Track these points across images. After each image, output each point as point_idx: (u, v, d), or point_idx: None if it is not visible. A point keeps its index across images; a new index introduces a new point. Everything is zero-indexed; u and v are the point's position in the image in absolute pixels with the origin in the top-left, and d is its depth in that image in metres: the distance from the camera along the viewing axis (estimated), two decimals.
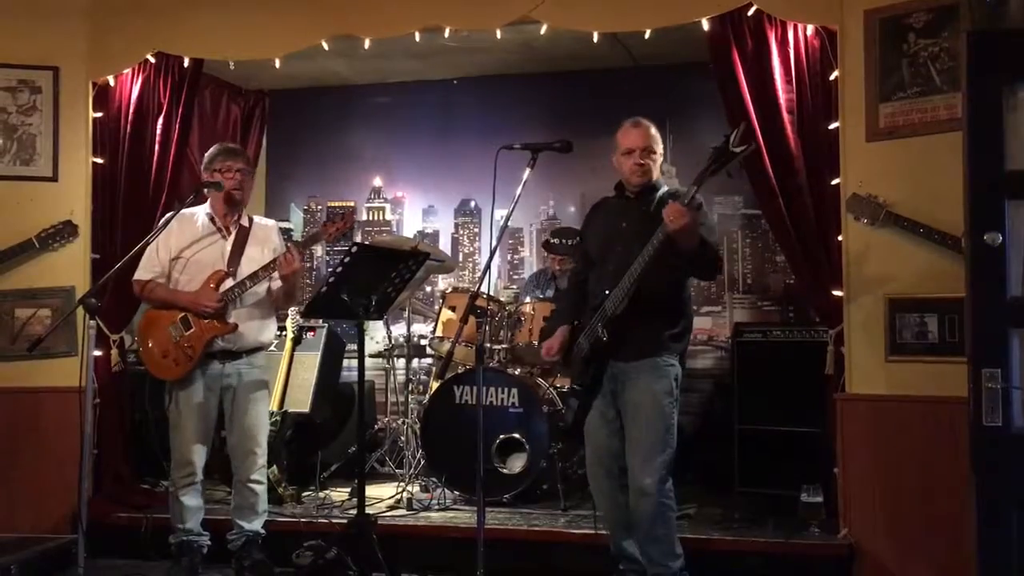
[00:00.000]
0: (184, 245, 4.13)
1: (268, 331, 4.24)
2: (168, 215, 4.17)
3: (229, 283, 4.04)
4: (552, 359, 3.86)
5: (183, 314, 4.04)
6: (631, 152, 3.68)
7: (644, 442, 3.55)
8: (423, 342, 5.67)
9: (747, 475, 4.86)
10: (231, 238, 4.16)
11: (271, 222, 4.40)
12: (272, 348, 4.48)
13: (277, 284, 4.12)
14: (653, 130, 3.72)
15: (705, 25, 4.39)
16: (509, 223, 3.76)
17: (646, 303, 3.53)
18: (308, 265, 6.82)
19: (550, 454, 4.79)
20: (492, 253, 3.58)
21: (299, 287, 4.13)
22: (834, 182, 4.17)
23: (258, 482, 4.15)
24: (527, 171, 3.47)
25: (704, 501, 4.73)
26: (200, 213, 4.21)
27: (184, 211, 4.20)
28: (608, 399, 3.69)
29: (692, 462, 4.99)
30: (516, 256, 6.91)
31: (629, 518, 3.65)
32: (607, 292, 3.59)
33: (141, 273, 4.16)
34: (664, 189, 3.75)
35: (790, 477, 4.42)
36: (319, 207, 7.05)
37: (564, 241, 5.74)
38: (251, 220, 4.28)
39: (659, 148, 3.72)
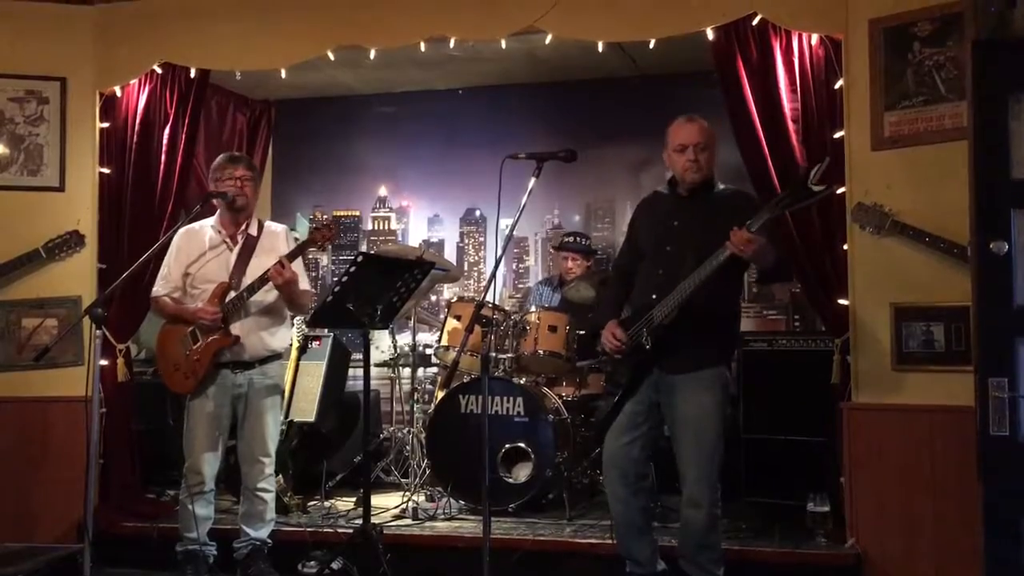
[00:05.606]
0: (192, 259, 4.16)
1: (278, 339, 4.22)
2: (172, 230, 4.19)
3: (233, 295, 4.05)
4: (617, 344, 3.55)
5: (192, 328, 4.06)
6: (684, 148, 3.53)
7: (698, 456, 3.46)
8: (428, 351, 5.66)
9: (753, 484, 4.83)
10: (237, 248, 4.16)
11: (280, 228, 4.33)
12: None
13: (276, 295, 4.08)
14: (707, 126, 3.58)
15: (710, 34, 4.39)
16: (514, 232, 3.76)
17: (697, 315, 3.40)
18: (313, 275, 6.81)
19: (556, 463, 4.78)
20: (497, 262, 3.57)
21: (298, 296, 4.11)
22: (839, 191, 4.16)
23: (266, 490, 4.16)
24: (532, 180, 3.47)
25: None
26: (207, 226, 4.23)
27: (192, 225, 4.24)
28: (645, 407, 3.56)
29: None
30: (521, 265, 6.91)
31: (642, 520, 3.62)
32: (654, 296, 3.48)
33: (155, 289, 4.23)
34: (721, 187, 3.61)
35: (796, 486, 4.40)
36: (325, 216, 7.03)
37: (578, 240, 5.75)
38: (261, 227, 4.25)
39: (714, 145, 3.57)
